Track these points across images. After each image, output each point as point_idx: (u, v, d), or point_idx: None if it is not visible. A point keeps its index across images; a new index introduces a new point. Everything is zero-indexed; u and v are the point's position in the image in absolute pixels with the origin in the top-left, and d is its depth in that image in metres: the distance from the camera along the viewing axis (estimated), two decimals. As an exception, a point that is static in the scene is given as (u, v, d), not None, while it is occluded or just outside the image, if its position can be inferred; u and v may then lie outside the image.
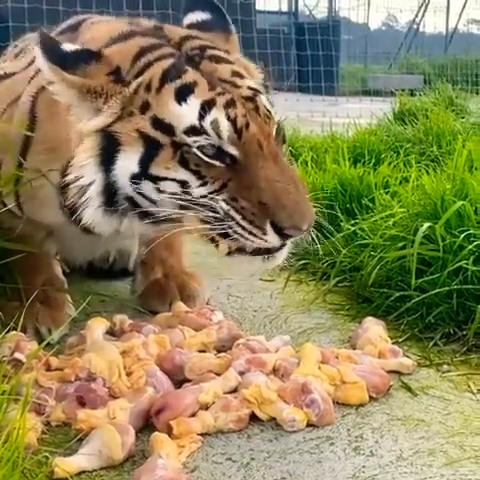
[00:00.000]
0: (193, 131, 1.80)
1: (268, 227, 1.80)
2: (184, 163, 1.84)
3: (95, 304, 2.62)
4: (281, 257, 1.97)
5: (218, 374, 2.04)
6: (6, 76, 2.43)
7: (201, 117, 1.80)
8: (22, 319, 2.01)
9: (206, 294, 2.69)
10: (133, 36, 2.00)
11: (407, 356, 2.27)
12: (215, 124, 1.80)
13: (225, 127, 1.80)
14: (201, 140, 1.80)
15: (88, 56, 1.89)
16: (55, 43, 1.91)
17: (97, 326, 2.23)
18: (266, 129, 1.85)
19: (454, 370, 2.23)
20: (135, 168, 1.86)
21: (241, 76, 1.94)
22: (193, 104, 1.82)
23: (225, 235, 1.86)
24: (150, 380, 1.97)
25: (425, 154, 4.59)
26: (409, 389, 2.11)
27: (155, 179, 1.87)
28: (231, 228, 1.84)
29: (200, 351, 2.22)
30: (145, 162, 1.85)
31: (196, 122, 1.80)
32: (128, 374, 2.00)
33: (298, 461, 1.74)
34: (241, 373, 2.03)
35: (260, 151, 1.81)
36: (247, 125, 1.81)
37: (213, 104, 1.82)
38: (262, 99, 1.91)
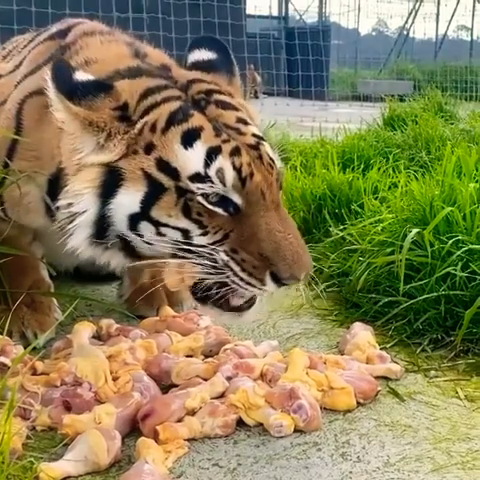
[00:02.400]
0: (198, 178, 1.78)
1: (267, 278, 1.80)
2: (186, 211, 1.81)
3: (82, 308, 2.61)
4: (252, 315, 1.97)
5: (205, 379, 2.03)
6: None
7: (207, 164, 1.78)
8: (8, 323, 1.99)
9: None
10: (141, 75, 1.98)
11: (395, 362, 2.27)
12: (221, 172, 1.78)
13: (230, 175, 1.78)
14: (206, 188, 1.78)
15: (98, 88, 1.87)
16: (67, 71, 1.88)
17: (83, 330, 2.22)
18: (269, 178, 1.84)
19: (442, 376, 2.23)
20: (136, 207, 1.83)
21: (245, 122, 1.92)
22: (199, 150, 1.80)
23: (222, 284, 1.83)
24: (137, 385, 1.96)
25: (414, 160, 4.60)
26: (397, 395, 2.10)
27: (156, 223, 1.84)
28: (229, 278, 1.82)
29: (187, 356, 2.21)
30: (147, 203, 1.82)
31: (201, 169, 1.78)
32: (115, 379, 1.99)
33: (285, 467, 1.74)
34: (228, 378, 2.02)
35: (262, 200, 1.80)
36: (251, 174, 1.80)
37: (219, 151, 1.80)
38: (265, 147, 1.90)
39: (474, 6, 24.53)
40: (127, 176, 1.83)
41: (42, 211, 2.17)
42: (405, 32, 23.97)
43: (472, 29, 25.35)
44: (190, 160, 1.79)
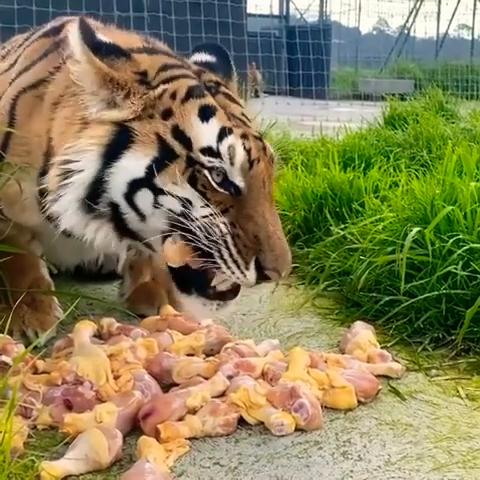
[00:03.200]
0: (209, 152, 1.82)
1: (252, 263, 1.82)
2: (193, 182, 1.83)
3: (83, 307, 2.61)
4: (231, 307, 2.01)
5: (206, 378, 2.03)
6: None
7: (220, 139, 1.83)
8: (9, 322, 1.99)
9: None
10: (157, 53, 2.05)
11: (396, 361, 2.27)
12: (232, 150, 1.82)
13: (241, 154, 1.83)
14: (215, 162, 1.82)
15: (119, 52, 1.91)
16: (92, 30, 1.92)
17: (84, 329, 2.22)
18: (270, 169, 1.90)
19: (443, 375, 2.23)
20: (140, 172, 1.84)
21: (248, 119, 1.99)
22: (214, 125, 1.85)
23: (209, 255, 1.84)
24: (138, 384, 1.96)
25: (415, 159, 4.60)
26: (398, 394, 2.11)
27: (158, 191, 1.84)
28: (219, 252, 1.83)
29: (188, 355, 2.21)
30: (153, 169, 1.83)
31: (214, 144, 1.82)
32: (116, 378, 1.99)
33: (286, 465, 1.74)
34: (229, 377, 2.02)
35: (263, 188, 1.85)
36: (258, 159, 1.86)
37: (231, 131, 1.85)
38: (267, 142, 1.96)
39: (475, 5, 24.52)
40: (138, 139, 1.85)
41: (37, 208, 2.16)
42: (406, 31, 23.96)
43: (473, 28, 25.35)
44: (205, 133, 1.84)
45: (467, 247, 2.51)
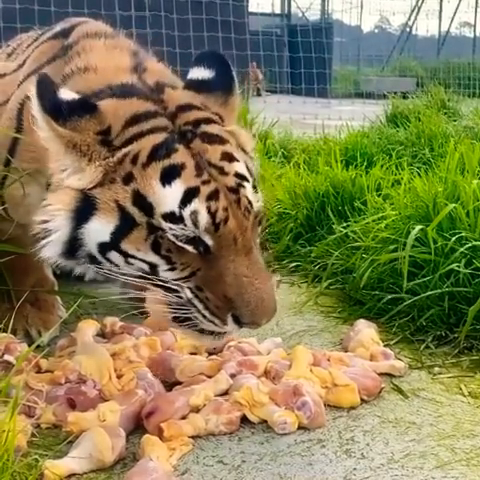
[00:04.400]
0: (171, 217, 1.74)
1: (229, 319, 1.78)
2: (156, 247, 1.78)
3: (85, 306, 2.61)
4: (231, 335, 1.98)
5: (209, 376, 2.04)
6: None
7: (182, 205, 1.73)
8: (12, 321, 1.99)
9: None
10: (131, 96, 1.91)
11: (399, 359, 2.27)
12: (195, 216, 1.73)
13: (204, 220, 1.74)
14: (177, 229, 1.74)
15: (83, 108, 1.82)
16: (51, 88, 1.83)
17: (87, 328, 2.22)
18: (244, 223, 1.79)
19: (445, 372, 2.23)
20: (106, 238, 1.80)
21: (231, 159, 1.85)
22: (177, 189, 1.75)
23: (184, 319, 1.83)
24: (141, 383, 1.97)
25: (417, 157, 4.60)
26: (400, 391, 2.11)
27: (125, 254, 1.81)
28: (192, 313, 1.81)
29: (191, 353, 2.21)
30: (117, 236, 1.79)
31: (176, 209, 1.73)
32: (119, 376, 2.00)
33: (289, 463, 1.74)
34: (232, 376, 2.03)
35: (234, 245, 1.76)
36: (226, 220, 1.76)
37: (197, 194, 1.75)
38: (246, 189, 1.82)
39: (477, 3, 24.48)
40: (100, 206, 1.79)
41: None
42: (408, 29, 23.93)
43: (475, 26, 25.32)
44: (166, 198, 1.74)
45: (469, 245, 2.51)
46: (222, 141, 1.87)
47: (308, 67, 14.26)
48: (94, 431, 1.72)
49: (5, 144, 2.19)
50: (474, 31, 25.54)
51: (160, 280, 1.80)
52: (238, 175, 1.83)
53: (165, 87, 1.96)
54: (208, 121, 1.91)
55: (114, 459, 1.71)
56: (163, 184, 1.75)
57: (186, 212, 1.73)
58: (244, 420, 1.90)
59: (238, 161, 1.86)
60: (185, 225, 1.73)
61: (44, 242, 1.84)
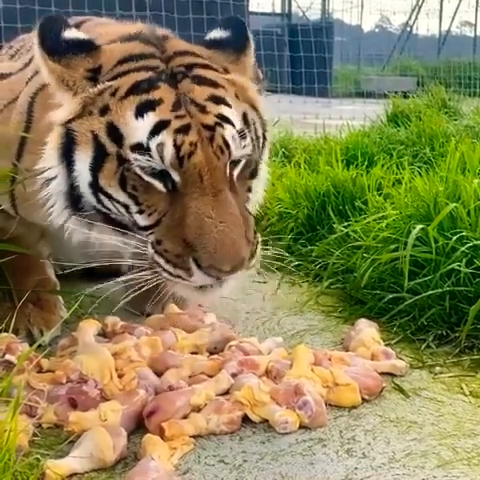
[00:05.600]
0: (139, 148, 1.74)
1: (193, 266, 1.73)
2: (123, 183, 1.78)
3: (87, 306, 2.61)
4: (224, 289, 1.87)
5: (210, 376, 2.04)
6: (2, 76, 2.41)
7: (150, 136, 1.73)
8: (14, 321, 2.00)
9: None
10: (134, 39, 1.97)
11: (400, 358, 2.27)
12: (161, 147, 1.73)
13: (169, 152, 1.73)
14: (143, 160, 1.73)
15: (82, 47, 1.88)
16: (56, 27, 1.89)
17: (89, 328, 2.22)
18: (214, 161, 1.75)
19: (447, 372, 2.23)
20: (88, 176, 1.81)
21: (218, 101, 1.84)
22: (148, 121, 1.75)
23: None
24: (142, 382, 1.97)
25: (418, 156, 4.60)
26: (402, 391, 2.11)
27: (105, 193, 1.81)
28: (159, 274, 1.79)
29: (192, 353, 2.21)
30: (95, 171, 1.80)
31: (144, 140, 1.74)
32: (120, 376, 2.00)
33: (290, 463, 1.74)
34: (233, 375, 2.03)
35: (199, 183, 1.73)
36: (190, 154, 1.73)
37: (166, 126, 1.74)
38: (225, 130, 1.79)
39: (477, 2, 24.45)
40: (78, 139, 1.81)
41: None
42: (408, 28, 23.89)
43: (475, 25, 25.27)
44: (137, 129, 1.75)
45: (470, 244, 2.51)
46: (215, 85, 1.87)
47: (309, 67, 14.26)
48: (95, 431, 1.72)
49: (16, 139, 2.20)
50: (475, 30, 25.51)
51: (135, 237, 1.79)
52: (220, 116, 1.81)
53: (171, 39, 2.00)
54: (205, 66, 1.92)
55: (115, 459, 1.71)
56: (136, 116, 1.76)
57: (153, 143, 1.73)
58: (245, 419, 1.90)
59: (228, 106, 1.84)
60: (151, 156, 1.72)
61: (47, 195, 1.86)
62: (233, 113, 1.85)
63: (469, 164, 3.25)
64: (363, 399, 2.03)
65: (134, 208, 1.79)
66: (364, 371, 2.10)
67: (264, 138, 2.04)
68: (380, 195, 3.32)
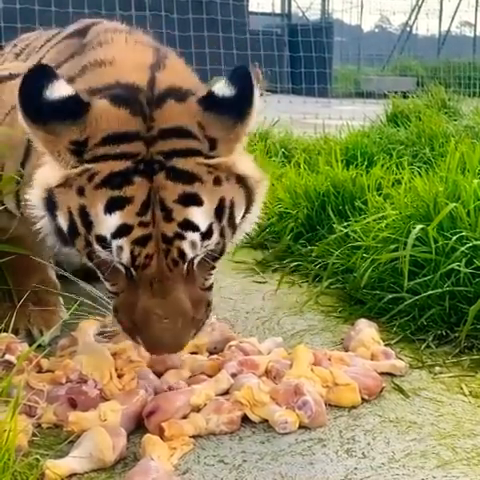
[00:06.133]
0: (103, 242, 1.76)
1: (140, 341, 1.85)
2: (91, 258, 1.85)
3: (87, 306, 2.61)
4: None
5: (210, 376, 2.04)
6: (11, 77, 2.41)
7: (113, 237, 1.75)
8: (14, 320, 2.00)
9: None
10: (126, 106, 1.83)
11: (399, 358, 2.27)
12: (119, 251, 1.75)
13: (126, 257, 1.76)
14: (103, 254, 1.78)
15: (70, 110, 1.78)
16: (38, 87, 1.78)
17: (88, 328, 2.22)
18: (166, 273, 1.77)
19: (446, 372, 2.23)
20: (67, 235, 1.86)
21: (187, 202, 1.76)
22: (114, 221, 1.74)
23: None
24: (142, 382, 1.97)
25: (418, 156, 4.60)
26: (401, 391, 2.11)
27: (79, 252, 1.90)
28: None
29: (192, 353, 2.21)
30: (71, 236, 1.85)
31: (108, 237, 1.75)
32: (120, 376, 2.00)
33: (290, 463, 1.74)
34: (233, 375, 2.02)
35: (150, 287, 1.77)
36: (145, 266, 1.76)
37: (128, 233, 1.74)
38: (184, 240, 1.76)
39: (477, 2, 24.45)
40: (59, 205, 1.83)
41: None
42: (408, 28, 23.89)
43: (475, 25, 25.27)
44: (103, 225, 1.75)
45: (470, 244, 2.51)
46: (190, 179, 1.78)
47: (308, 67, 14.29)
48: (95, 431, 1.72)
49: (22, 143, 2.20)
50: (474, 30, 25.51)
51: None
52: (184, 223, 1.76)
53: (169, 98, 1.86)
54: (185, 153, 1.81)
55: (115, 459, 1.70)
56: (104, 211, 1.75)
57: (114, 244, 1.75)
58: (245, 420, 1.90)
59: (199, 205, 1.77)
60: (111, 254, 1.76)
61: (42, 233, 1.92)
62: (202, 213, 1.78)
63: (469, 164, 3.25)
64: (363, 399, 2.03)
65: (100, 275, 1.88)
66: (364, 371, 2.10)
67: (249, 203, 1.94)
68: (380, 195, 3.32)
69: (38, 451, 1.69)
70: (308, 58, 14.64)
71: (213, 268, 1.91)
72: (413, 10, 23.38)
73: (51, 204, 1.84)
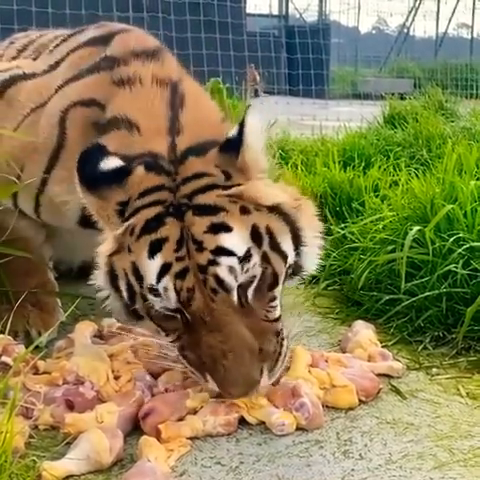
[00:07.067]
0: (153, 290, 1.83)
1: (209, 378, 1.85)
2: (149, 315, 1.90)
3: (83, 307, 2.61)
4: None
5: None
6: (25, 76, 2.40)
7: (158, 280, 1.82)
8: (13, 322, 2.00)
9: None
10: (154, 170, 1.94)
11: (397, 359, 2.27)
12: (165, 292, 1.81)
13: (172, 296, 1.81)
14: (157, 302, 1.83)
15: (116, 177, 1.91)
16: (94, 160, 1.92)
17: (85, 329, 2.22)
18: (210, 304, 1.80)
19: (443, 373, 2.23)
20: (130, 303, 1.93)
21: (217, 230, 1.83)
22: (157, 264, 1.82)
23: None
24: (138, 384, 1.97)
25: (415, 158, 4.60)
26: (398, 392, 2.10)
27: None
28: (185, 366, 1.93)
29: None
30: (131, 302, 1.91)
31: (155, 283, 1.82)
32: (116, 378, 1.99)
33: (287, 465, 1.74)
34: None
35: (202, 323, 1.81)
36: (189, 299, 1.80)
37: (168, 270, 1.81)
38: (219, 266, 1.79)
39: (474, 4, 24.52)
40: (118, 273, 1.91)
41: (76, 219, 2.22)
42: (405, 30, 23.95)
43: (472, 27, 25.35)
44: (150, 271, 1.83)
45: (467, 246, 2.51)
46: (214, 211, 1.86)
47: (306, 68, 14.31)
48: (92, 432, 1.72)
49: (47, 151, 2.23)
50: (471, 32, 25.60)
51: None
52: (217, 250, 1.81)
53: (190, 156, 1.97)
54: (205, 189, 1.90)
55: (112, 460, 1.70)
56: (149, 257, 1.83)
57: (160, 287, 1.82)
58: (242, 421, 1.90)
59: (228, 231, 1.83)
60: (162, 298, 1.82)
61: (113, 314, 2.06)
62: (234, 239, 1.83)
63: (466, 166, 3.26)
64: (360, 401, 2.03)
65: (162, 332, 1.94)
66: (361, 373, 2.10)
67: (295, 230, 1.97)
68: (377, 196, 3.32)
69: (35, 453, 1.69)
70: (305, 60, 14.67)
71: (274, 299, 1.92)
72: (410, 12, 23.44)
73: (113, 274, 1.92)
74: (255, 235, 1.85)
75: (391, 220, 2.85)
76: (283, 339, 1.94)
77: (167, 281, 1.81)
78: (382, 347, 2.32)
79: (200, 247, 1.81)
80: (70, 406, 1.88)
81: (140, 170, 1.94)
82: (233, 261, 1.80)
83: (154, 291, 1.82)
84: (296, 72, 14.80)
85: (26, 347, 2.08)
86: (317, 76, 14.37)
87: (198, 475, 1.69)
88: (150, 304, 1.85)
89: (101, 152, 1.95)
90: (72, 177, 2.07)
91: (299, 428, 1.88)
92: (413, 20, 23.80)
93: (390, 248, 2.69)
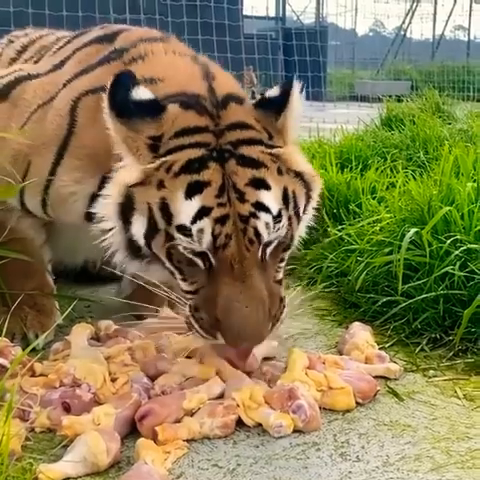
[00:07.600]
0: (183, 230, 1.83)
1: (218, 336, 1.88)
2: (169, 256, 1.90)
3: (80, 309, 2.61)
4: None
5: (203, 380, 2.03)
6: (29, 77, 2.40)
7: (194, 220, 1.82)
8: (11, 324, 1.99)
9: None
10: (192, 108, 1.97)
11: (394, 361, 2.27)
12: (201, 233, 1.82)
13: (207, 240, 1.82)
14: (185, 241, 1.84)
15: (149, 110, 1.91)
16: (125, 86, 1.91)
17: (82, 332, 2.22)
18: (245, 254, 1.85)
19: (440, 375, 2.23)
20: (143, 240, 1.92)
21: (258, 185, 1.88)
22: (195, 205, 1.83)
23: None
24: (135, 386, 1.96)
25: (412, 160, 4.60)
26: (396, 394, 2.10)
27: (158, 258, 1.94)
28: (191, 324, 1.94)
29: (187, 357, 2.20)
30: (147, 239, 1.91)
31: (188, 223, 1.83)
32: (113, 380, 1.99)
33: (284, 467, 1.74)
34: (227, 379, 2.02)
35: (230, 271, 1.84)
36: (225, 245, 1.83)
37: (208, 214, 1.83)
38: (259, 220, 1.86)
39: (471, 6, 24.57)
40: (137, 205, 1.90)
41: (82, 210, 2.19)
42: (402, 32, 23.95)
43: (469, 29, 25.38)
44: (184, 211, 1.83)
45: (464, 248, 2.51)
46: (257, 165, 1.91)
47: (303, 70, 14.29)
48: (89, 435, 1.71)
49: (56, 140, 2.22)
50: (468, 34, 25.64)
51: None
52: (257, 204, 1.87)
53: (231, 102, 2.02)
54: (251, 142, 1.95)
55: (109, 463, 1.70)
56: (185, 197, 1.84)
57: (195, 228, 1.82)
58: (239, 423, 1.90)
59: (267, 189, 1.89)
60: (192, 239, 1.83)
61: (107, 245, 1.99)
62: (271, 197, 1.89)
63: (463, 168, 3.26)
64: (357, 403, 2.03)
65: (178, 276, 1.93)
66: (358, 375, 2.10)
67: (308, 197, 2.08)
68: (374, 199, 3.33)
69: (31, 455, 1.69)
70: (302, 62, 14.67)
71: (282, 260, 1.99)
72: (407, 14, 23.45)
73: (128, 205, 1.90)
74: (285, 197, 1.94)
75: (388, 222, 2.85)
76: (284, 307, 2.00)
77: (205, 224, 1.82)
78: (379, 349, 2.32)
79: (242, 198, 1.86)
80: (67, 408, 1.87)
81: (175, 107, 1.95)
82: (269, 218, 1.87)
83: (185, 231, 1.83)
84: (293, 74, 14.79)
85: (23, 349, 2.08)
86: (314, 78, 14.36)
87: (195, 477, 1.69)
88: (174, 244, 1.86)
89: (132, 81, 1.94)
90: (82, 166, 2.08)
91: (296, 430, 1.88)
92: (410, 22, 23.82)
93: (387, 250, 2.69)
